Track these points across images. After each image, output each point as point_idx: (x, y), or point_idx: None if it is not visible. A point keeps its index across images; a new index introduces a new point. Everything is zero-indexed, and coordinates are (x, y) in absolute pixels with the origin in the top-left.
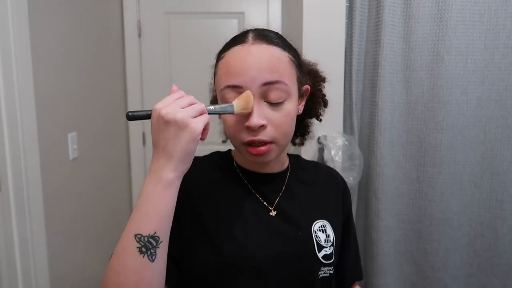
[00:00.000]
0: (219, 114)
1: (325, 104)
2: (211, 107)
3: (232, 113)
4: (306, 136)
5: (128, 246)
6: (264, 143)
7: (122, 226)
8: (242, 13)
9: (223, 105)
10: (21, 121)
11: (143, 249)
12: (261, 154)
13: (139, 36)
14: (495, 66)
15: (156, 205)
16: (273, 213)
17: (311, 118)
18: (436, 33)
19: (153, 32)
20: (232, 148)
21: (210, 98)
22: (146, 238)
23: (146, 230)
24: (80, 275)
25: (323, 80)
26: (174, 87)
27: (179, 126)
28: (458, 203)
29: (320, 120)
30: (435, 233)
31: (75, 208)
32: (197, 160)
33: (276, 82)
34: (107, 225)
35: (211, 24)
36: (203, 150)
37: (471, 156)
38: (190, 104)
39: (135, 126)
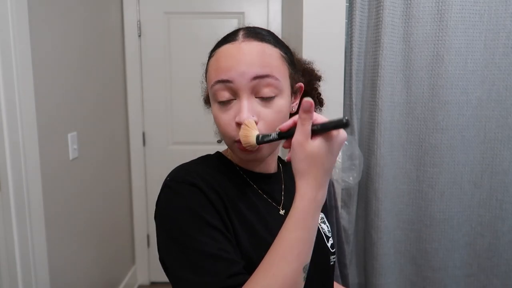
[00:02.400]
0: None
1: (321, 103)
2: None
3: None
4: None
5: (299, 280)
6: None
7: (121, 225)
8: (242, 13)
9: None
10: (21, 121)
11: (305, 275)
12: (251, 152)
13: (139, 36)
14: (495, 66)
15: (315, 231)
16: (282, 212)
17: None
18: (436, 33)
19: (153, 32)
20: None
21: (203, 98)
22: (308, 265)
23: (309, 257)
24: (80, 275)
25: (319, 78)
26: (310, 101)
27: None
28: (458, 203)
29: None
30: (435, 233)
31: (75, 208)
32: (198, 164)
33: (267, 76)
34: (107, 224)
35: (211, 24)
36: (204, 149)
37: (471, 156)
38: None
39: (135, 126)
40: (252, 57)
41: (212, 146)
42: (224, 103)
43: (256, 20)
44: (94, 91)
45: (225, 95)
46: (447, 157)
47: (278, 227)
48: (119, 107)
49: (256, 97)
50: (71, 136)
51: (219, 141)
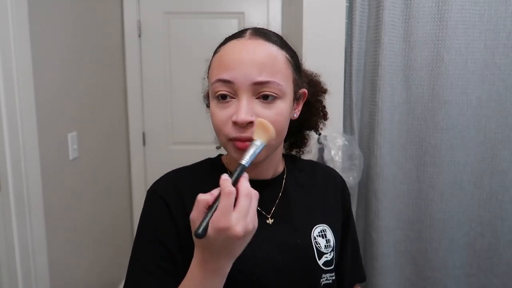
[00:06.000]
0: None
1: (325, 116)
2: (245, 161)
3: (262, 146)
4: (303, 149)
5: None
6: (251, 140)
7: (122, 225)
8: (242, 13)
9: (251, 151)
10: (21, 121)
11: None
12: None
13: (139, 36)
14: (495, 66)
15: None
16: (270, 221)
17: (309, 130)
18: (436, 33)
19: (153, 32)
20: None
21: (203, 95)
22: None
23: None
24: (80, 274)
25: (324, 91)
26: (224, 176)
27: (250, 236)
28: (458, 203)
29: (319, 134)
30: (435, 233)
31: (75, 208)
32: (186, 172)
33: (268, 82)
34: (107, 224)
35: (211, 24)
36: (203, 150)
37: (471, 156)
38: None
39: (135, 126)
40: (256, 57)
41: (212, 146)
42: (223, 101)
43: (256, 20)
44: (94, 91)
45: (224, 93)
46: (447, 157)
47: (262, 236)
48: (119, 107)
49: (256, 98)
50: (71, 136)
51: (218, 147)
